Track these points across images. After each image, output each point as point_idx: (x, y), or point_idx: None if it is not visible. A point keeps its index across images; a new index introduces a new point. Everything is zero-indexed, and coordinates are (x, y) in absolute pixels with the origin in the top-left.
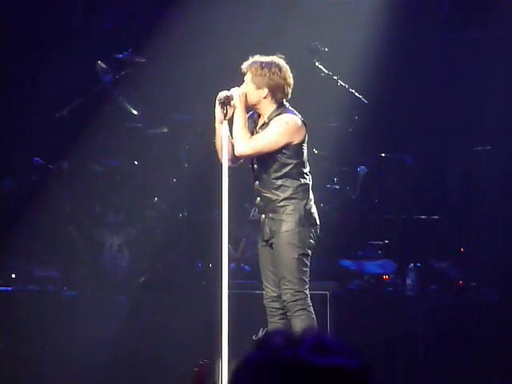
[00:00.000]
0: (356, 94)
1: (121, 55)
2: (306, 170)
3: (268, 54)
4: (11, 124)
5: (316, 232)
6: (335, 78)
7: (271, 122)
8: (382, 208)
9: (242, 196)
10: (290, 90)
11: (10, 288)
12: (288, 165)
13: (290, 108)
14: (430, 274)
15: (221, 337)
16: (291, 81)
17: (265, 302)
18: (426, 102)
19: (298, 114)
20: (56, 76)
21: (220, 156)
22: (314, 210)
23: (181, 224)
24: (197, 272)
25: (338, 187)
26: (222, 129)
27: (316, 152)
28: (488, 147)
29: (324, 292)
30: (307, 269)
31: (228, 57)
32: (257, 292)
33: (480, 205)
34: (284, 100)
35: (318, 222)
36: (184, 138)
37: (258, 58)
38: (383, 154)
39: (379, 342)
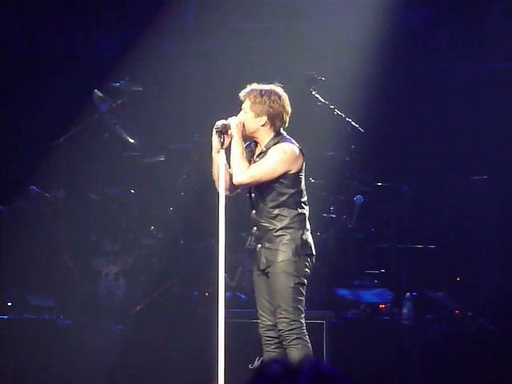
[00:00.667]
0: (353, 123)
1: (117, 84)
2: (304, 199)
3: (265, 83)
4: (7, 152)
5: (312, 262)
6: (332, 107)
7: (269, 150)
8: (378, 237)
9: (239, 225)
10: (288, 119)
11: (5, 317)
12: (285, 194)
13: (288, 136)
14: (426, 303)
15: (217, 365)
16: (289, 109)
17: (260, 331)
18: (423, 132)
19: (295, 142)
20: (53, 104)
21: (217, 185)
22: (310, 239)
23: (177, 253)
24: (193, 301)
25: (334, 216)
26: (218, 158)
27: (312, 181)
28: (484, 177)
29: (320, 321)
30: (303, 298)
31: (225, 86)
32: (253, 321)
33: (476, 234)
34: (281, 128)
35: (314, 252)
36: (181, 166)
37: (256, 85)
38: (380, 183)
39: (375, 371)
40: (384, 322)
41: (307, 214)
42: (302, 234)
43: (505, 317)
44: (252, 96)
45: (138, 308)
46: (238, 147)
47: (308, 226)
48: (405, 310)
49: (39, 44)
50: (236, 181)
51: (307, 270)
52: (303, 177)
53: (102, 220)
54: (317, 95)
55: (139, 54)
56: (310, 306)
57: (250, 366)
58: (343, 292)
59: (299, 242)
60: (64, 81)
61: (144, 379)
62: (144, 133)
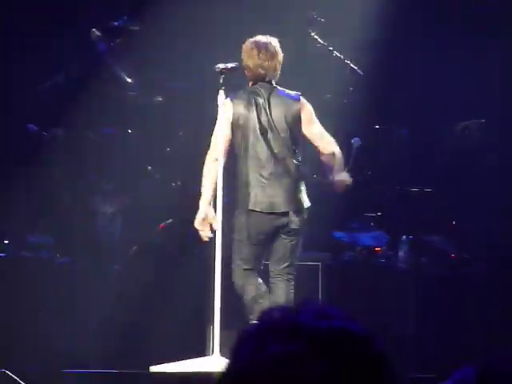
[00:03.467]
0: (351, 65)
1: (116, 23)
2: (250, 151)
3: (265, 23)
4: (6, 91)
5: (256, 218)
6: (330, 48)
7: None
8: (375, 180)
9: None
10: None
11: (3, 254)
12: (234, 144)
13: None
14: (422, 246)
15: (213, 305)
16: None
17: None
18: (422, 75)
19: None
20: (51, 42)
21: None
22: (254, 193)
23: (174, 193)
24: (190, 240)
25: None
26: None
27: None
28: (482, 120)
29: (316, 263)
30: (239, 253)
31: (224, 24)
32: None
33: (473, 177)
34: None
35: (257, 208)
36: (178, 106)
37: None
38: (377, 126)
39: (371, 314)
40: (380, 264)
41: (256, 167)
42: (246, 187)
43: (500, 260)
44: None
45: (135, 247)
46: None
47: (256, 179)
48: (401, 253)
49: None
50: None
51: (241, 225)
52: (245, 127)
53: (100, 159)
54: (315, 36)
55: None
56: (305, 248)
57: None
58: (339, 234)
59: (240, 196)
60: (63, 16)
61: (139, 320)
62: (142, 72)
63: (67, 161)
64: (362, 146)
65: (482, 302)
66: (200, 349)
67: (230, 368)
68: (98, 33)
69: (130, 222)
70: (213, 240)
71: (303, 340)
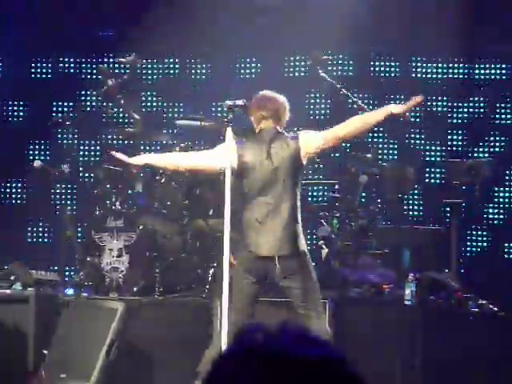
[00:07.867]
0: (359, 102)
1: (123, 59)
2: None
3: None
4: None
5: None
6: (338, 86)
7: None
8: (381, 217)
9: None
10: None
11: (8, 290)
12: None
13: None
14: (429, 284)
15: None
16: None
17: None
18: (430, 110)
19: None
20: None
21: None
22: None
23: (182, 229)
24: (198, 279)
25: (338, 196)
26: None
27: (318, 160)
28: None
29: (323, 300)
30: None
31: (228, 61)
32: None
33: (480, 215)
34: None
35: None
36: (186, 143)
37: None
38: (384, 164)
39: (378, 351)
40: (387, 302)
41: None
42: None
43: (506, 298)
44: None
45: (141, 284)
46: None
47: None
48: (408, 291)
49: (46, 22)
50: None
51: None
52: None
53: (106, 196)
54: (323, 74)
55: (146, 27)
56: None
57: None
58: (346, 272)
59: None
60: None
61: (142, 358)
62: (149, 109)
63: (74, 197)
64: (368, 183)
65: (490, 341)
66: None
67: None
68: (106, 68)
69: (137, 258)
70: (219, 276)
71: (282, 369)
